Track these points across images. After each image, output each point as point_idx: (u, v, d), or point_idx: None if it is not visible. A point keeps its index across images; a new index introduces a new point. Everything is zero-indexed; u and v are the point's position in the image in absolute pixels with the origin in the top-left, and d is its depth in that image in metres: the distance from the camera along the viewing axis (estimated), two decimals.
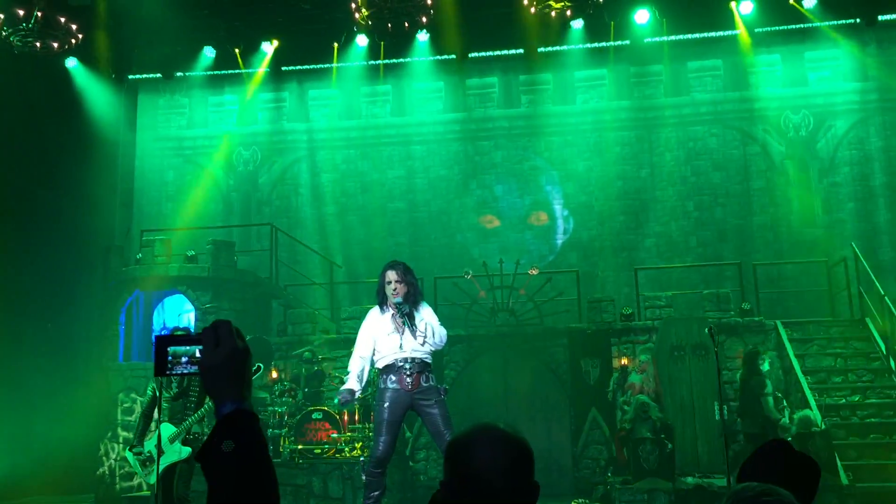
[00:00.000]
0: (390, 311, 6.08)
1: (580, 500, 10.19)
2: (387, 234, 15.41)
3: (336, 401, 6.46)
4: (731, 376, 11.18)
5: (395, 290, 5.99)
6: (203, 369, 1.55)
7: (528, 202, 15.29)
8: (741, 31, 13.71)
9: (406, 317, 5.99)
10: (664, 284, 13.28)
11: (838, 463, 9.33)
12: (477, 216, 15.32)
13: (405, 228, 15.43)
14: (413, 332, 5.95)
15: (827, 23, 13.47)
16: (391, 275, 6.06)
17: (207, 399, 6.66)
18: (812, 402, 10.14)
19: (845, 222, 14.12)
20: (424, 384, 5.94)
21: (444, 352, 12.10)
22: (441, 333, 6.11)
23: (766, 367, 9.97)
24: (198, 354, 1.59)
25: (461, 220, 15.36)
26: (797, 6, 12.91)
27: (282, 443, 10.03)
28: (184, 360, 1.59)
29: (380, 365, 6.11)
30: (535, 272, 12.40)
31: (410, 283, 6.10)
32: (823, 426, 9.53)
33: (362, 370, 6.16)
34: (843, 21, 13.48)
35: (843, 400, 10.89)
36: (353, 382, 6.12)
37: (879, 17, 12.96)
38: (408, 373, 5.91)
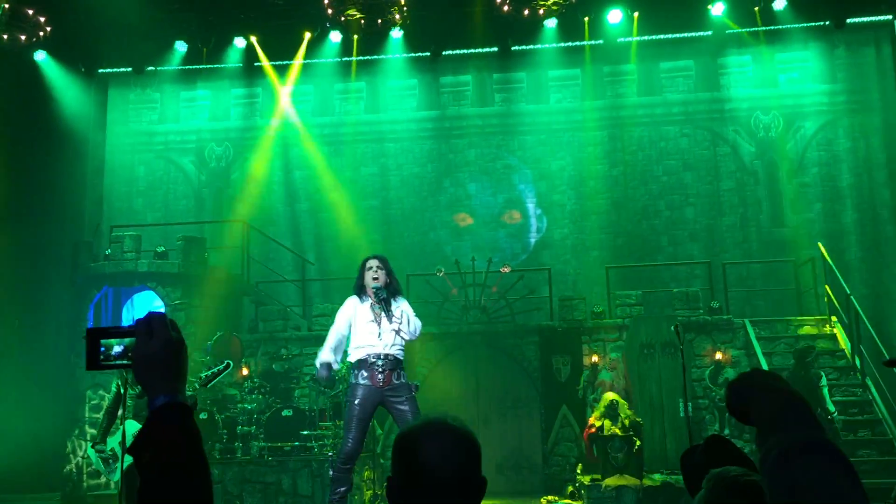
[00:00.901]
0: (369, 301, 6.08)
1: (550, 498, 10.25)
2: (360, 231, 15.36)
3: (315, 374, 6.41)
4: (700, 374, 11.30)
5: (376, 276, 6.01)
6: (136, 361, 1.53)
7: (501, 200, 15.33)
8: (713, 31, 13.83)
9: (383, 302, 5.98)
10: (635, 283, 13.37)
11: None
12: (450, 214, 15.34)
13: (378, 226, 15.40)
14: (389, 318, 5.95)
15: (797, 25, 13.62)
16: (372, 262, 6.13)
17: None
18: None
19: (813, 222, 14.30)
20: (396, 381, 5.95)
21: (415, 349, 12.14)
22: (416, 324, 6.14)
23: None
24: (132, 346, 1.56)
25: (434, 217, 15.36)
26: (768, 8, 13.03)
27: (251, 440, 9.99)
28: (115, 352, 1.57)
29: (353, 358, 6.10)
30: (507, 270, 12.44)
31: (390, 272, 6.14)
32: None
33: (338, 344, 6.13)
34: (813, 24, 13.64)
35: None
36: (327, 354, 6.07)
37: (848, 20, 13.11)
38: (380, 370, 5.91)
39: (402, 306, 6.13)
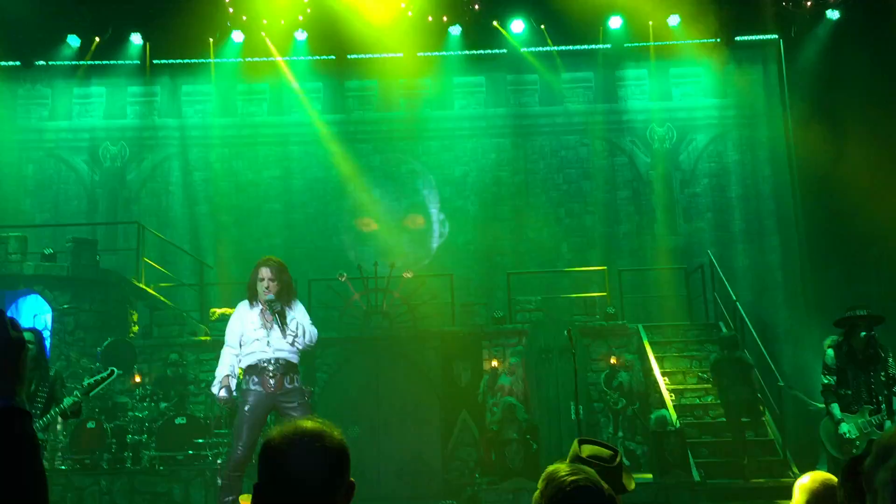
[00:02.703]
0: (260, 307, 5.97)
1: (448, 502, 10.30)
2: (261, 235, 15.12)
3: (217, 398, 6.17)
4: (596, 378, 11.57)
5: (267, 287, 5.87)
6: None
7: (405, 205, 15.36)
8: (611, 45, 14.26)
9: (277, 315, 5.88)
10: (535, 289, 13.58)
11: (691, 461, 9.80)
12: (353, 219, 15.26)
13: (280, 230, 15.19)
14: (283, 331, 5.85)
15: (690, 41, 14.17)
16: (265, 272, 5.93)
17: (54, 405, 6.35)
18: (668, 403, 10.62)
19: (704, 231, 14.89)
20: (289, 385, 5.85)
21: (315, 354, 11.99)
22: (312, 333, 6.02)
23: None
24: None
25: (338, 222, 15.26)
26: (662, 24, 13.51)
27: (142, 449, 9.67)
28: None
29: (243, 364, 5.98)
30: (409, 275, 12.46)
31: (284, 281, 6.00)
32: (678, 425, 9.99)
33: (234, 364, 6.00)
34: (705, 40, 14.21)
35: (697, 400, 11.46)
36: (224, 374, 5.94)
37: (737, 38, 13.75)
38: (271, 374, 5.80)
39: (297, 316, 6.01)
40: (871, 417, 6.40)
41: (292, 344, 5.87)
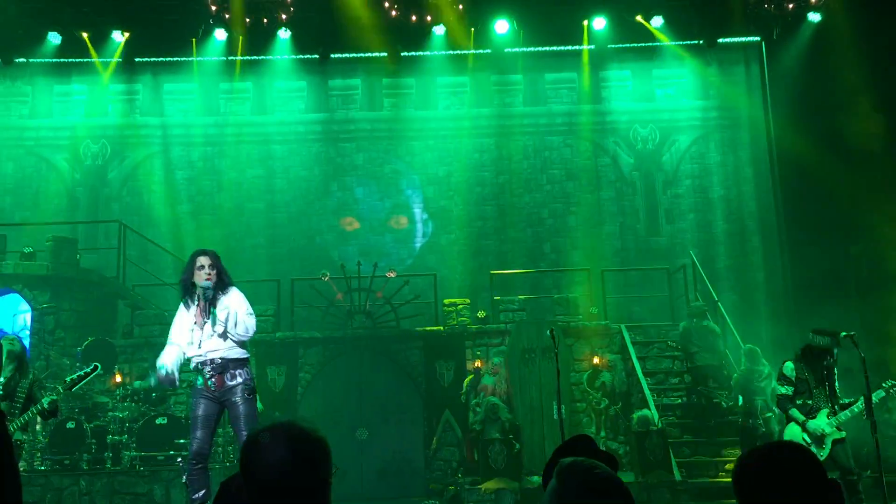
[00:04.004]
0: (194, 306, 5.84)
1: (431, 502, 10.29)
2: (244, 234, 15.07)
3: (154, 379, 6.09)
4: (578, 378, 11.60)
5: (208, 274, 5.74)
6: None
7: (388, 205, 15.34)
8: (594, 46, 14.29)
9: (208, 303, 5.75)
10: (519, 289, 13.60)
11: (672, 460, 9.84)
12: (337, 218, 15.22)
13: (263, 229, 15.13)
14: (213, 322, 5.72)
15: (673, 42, 14.24)
16: (203, 259, 5.78)
17: (32, 406, 6.30)
18: (651, 402, 10.66)
19: (686, 232, 14.97)
20: (230, 382, 5.72)
21: (299, 354, 11.97)
22: (246, 323, 5.74)
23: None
24: None
25: (321, 221, 15.21)
26: (646, 25, 13.56)
27: (122, 450, 9.60)
28: None
29: (192, 365, 5.94)
30: (392, 275, 12.42)
31: (221, 269, 5.83)
32: (660, 425, 10.04)
33: (178, 356, 5.84)
34: (688, 42, 14.28)
35: (679, 400, 11.52)
36: (164, 358, 5.73)
37: (720, 40, 13.81)
38: (208, 375, 5.73)
39: (231, 304, 5.76)
40: (831, 419, 6.71)
41: (223, 337, 5.73)
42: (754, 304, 14.40)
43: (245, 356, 5.86)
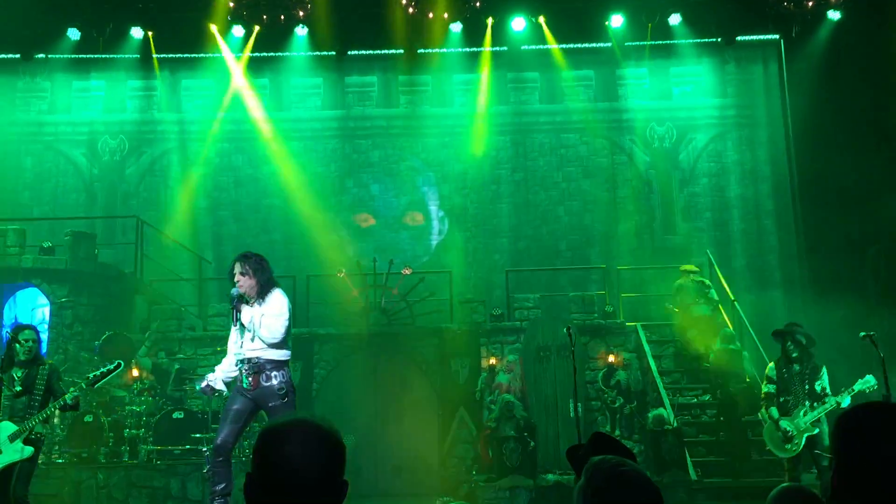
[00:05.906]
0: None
1: (445, 499, 10.29)
2: (260, 230, 15.12)
3: (198, 386, 6.23)
4: (594, 376, 11.57)
5: (239, 283, 5.84)
6: None
7: (404, 202, 15.35)
8: (612, 43, 14.25)
9: (234, 309, 5.83)
10: (534, 286, 13.58)
11: (688, 459, 9.81)
12: (352, 215, 15.25)
13: (279, 225, 15.17)
14: (241, 328, 5.81)
15: (691, 40, 14.16)
16: (234, 266, 5.88)
17: (52, 399, 6.36)
18: (666, 402, 10.62)
19: (703, 231, 14.89)
20: (265, 383, 5.76)
21: (314, 350, 12.02)
22: (272, 328, 5.74)
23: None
24: None
25: (336, 218, 15.23)
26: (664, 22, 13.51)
27: (139, 443, 9.66)
28: None
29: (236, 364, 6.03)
30: (408, 272, 12.44)
31: (255, 271, 5.81)
32: (676, 424, 10.00)
33: (229, 367, 5.98)
34: (706, 39, 14.21)
35: (695, 399, 11.47)
36: (215, 374, 5.98)
37: (738, 38, 13.74)
38: (245, 374, 5.80)
39: (267, 309, 5.80)
40: (806, 416, 7.15)
41: (252, 340, 5.80)
42: (772, 304, 14.29)
43: (283, 358, 5.87)
